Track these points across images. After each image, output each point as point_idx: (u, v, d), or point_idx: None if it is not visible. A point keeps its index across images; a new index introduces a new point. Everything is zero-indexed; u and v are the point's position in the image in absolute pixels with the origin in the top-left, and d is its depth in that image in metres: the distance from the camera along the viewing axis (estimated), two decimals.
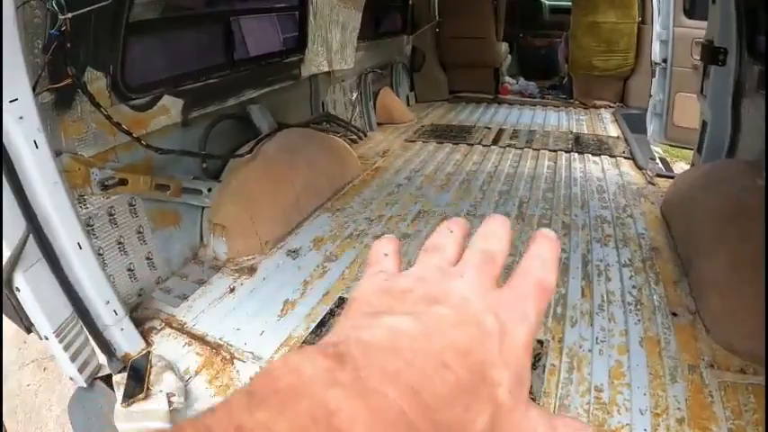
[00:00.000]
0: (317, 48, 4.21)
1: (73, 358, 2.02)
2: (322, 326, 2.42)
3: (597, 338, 2.30)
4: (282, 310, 2.56)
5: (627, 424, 1.86)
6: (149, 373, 2.04)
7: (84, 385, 2.09)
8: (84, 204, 2.35)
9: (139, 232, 2.67)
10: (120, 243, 2.54)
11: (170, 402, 1.95)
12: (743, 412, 1.89)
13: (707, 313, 2.37)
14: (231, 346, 2.31)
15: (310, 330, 2.40)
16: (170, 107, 2.82)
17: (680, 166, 5.92)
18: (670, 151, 5.86)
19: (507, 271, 0.39)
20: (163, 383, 2.01)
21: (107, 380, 2.11)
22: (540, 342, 2.26)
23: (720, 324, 2.27)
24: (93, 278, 2.08)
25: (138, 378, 2.03)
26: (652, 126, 5.56)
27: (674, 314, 2.43)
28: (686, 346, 2.22)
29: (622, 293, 2.62)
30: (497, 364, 0.32)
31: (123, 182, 2.51)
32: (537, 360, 2.16)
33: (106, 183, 2.43)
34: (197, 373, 2.17)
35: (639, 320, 2.41)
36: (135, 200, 2.62)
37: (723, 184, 2.88)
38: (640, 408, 1.93)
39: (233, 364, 2.22)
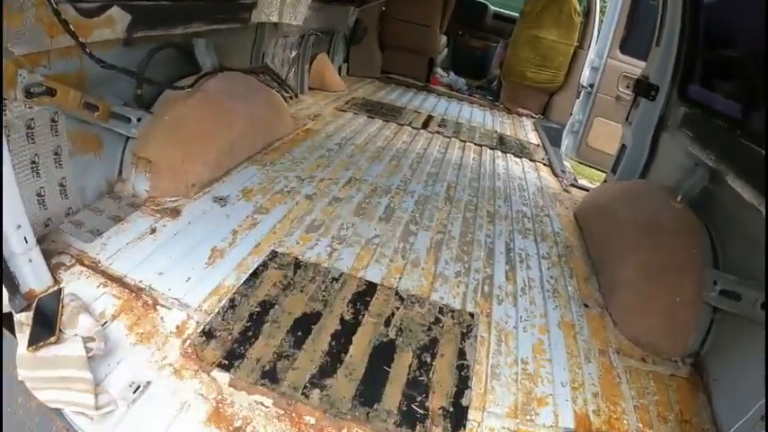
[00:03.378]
0: None
1: None
2: (255, 277, 2.32)
3: (521, 317, 2.44)
4: (210, 258, 2.40)
5: (550, 394, 2.02)
6: (61, 314, 1.80)
7: None
8: (4, 110, 2.02)
9: (57, 154, 2.35)
10: (33, 163, 2.22)
11: (87, 348, 1.71)
12: (645, 394, 2.13)
13: (615, 308, 2.60)
14: (154, 290, 2.11)
15: (242, 281, 2.28)
16: (117, 20, 2.53)
17: (582, 184, 6.39)
18: (576, 168, 6.25)
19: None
20: (78, 326, 1.78)
21: (4, 320, 1.84)
22: (471, 315, 2.36)
23: (627, 318, 2.51)
24: (7, 194, 1.80)
25: (48, 319, 1.78)
26: (567, 142, 5.94)
27: (586, 305, 2.65)
28: (596, 334, 2.44)
29: (541, 281, 2.80)
30: None
31: (51, 92, 2.22)
32: (469, 330, 2.24)
33: (32, 89, 2.12)
34: (114, 317, 1.95)
35: (557, 307, 2.59)
36: (58, 116, 2.31)
37: (641, 199, 3.15)
38: (561, 381, 2.09)
39: (156, 310, 2.03)
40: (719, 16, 3.25)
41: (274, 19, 4.13)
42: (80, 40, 2.26)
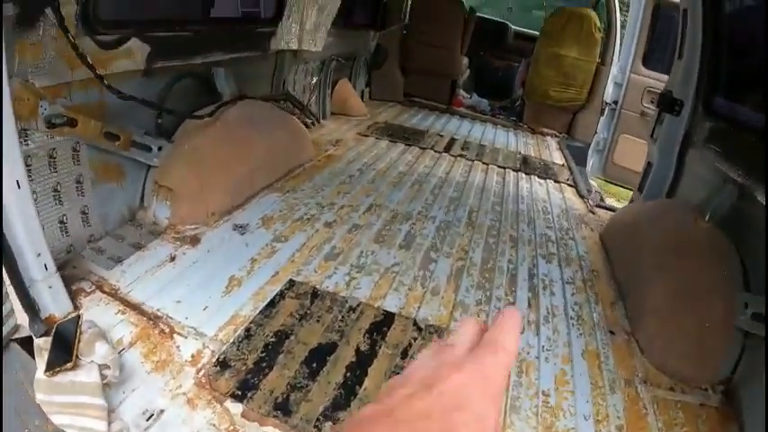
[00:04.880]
0: (291, 24, 4.08)
1: None
2: (271, 306, 2.30)
3: (543, 347, 2.38)
4: (228, 287, 2.40)
5: (572, 428, 1.95)
6: (78, 340, 1.80)
7: None
8: (26, 141, 2.08)
9: (79, 182, 2.41)
10: (56, 191, 2.29)
11: (102, 375, 1.73)
12: (673, 425, 2.05)
13: (642, 335, 2.53)
14: (171, 318, 2.12)
15: (259, 311, 2.26)
16: (136, 52, 2.59)
17: (609, 202, 6.27)
18: (603, 186, 6.16)
19: None
20: (94, 353, 1.77)
21: (25, 343, 1.86)
22: None
23: (654, 346, 2.44)
24: (28, 224, 1.85)
25: (65, 345, 1.78)
26: (592, 161, 5.89)
27: (612, 332, 2.59)
28: (622, 362, 2.37)
29: (565, 308, 2.73)
30: None
31: (72, 123, 2.26)
32: None
33: (54, 120, 2.17)
34: (131, 345, 1.97)
35: (581, 334, 2.53)
36: (79, 146, 2.37)
37: (667, 220, 3.07)
38: (584, 414, 2.03)
39: (172, 338, 2.03)
40: (741, 26, 3.19)
41: (294, 46, 4.18)
42: (99, 72, 2.32)
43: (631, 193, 4.40)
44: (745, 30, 3.15)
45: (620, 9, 6.82)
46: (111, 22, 2.43)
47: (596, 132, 5.94)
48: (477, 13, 8.05)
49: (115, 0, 2.50)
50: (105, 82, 2.33)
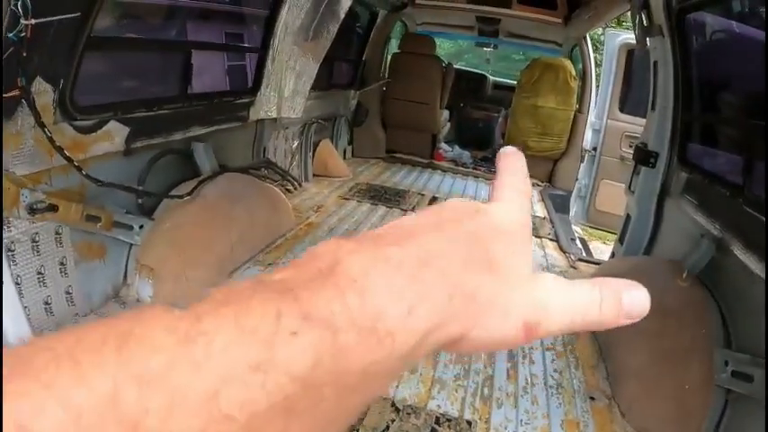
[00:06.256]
0: (270, 93, 4.17)
1: None
2: None
3: (522, 420, 2.36)
4: None
5: None
6: None
7: None
8: (8, 227, 2.13)
9: (62, 264, 2.44)
10: (39, 273, 2.32)
11: None
12: None
13: (623, 399, 2.52)
14: None
15: None
16: (115, 134, 2.64)
17: (595, 245, 6.28)
18: (588, 231, 6.20)
19: None
20: None
21: None
22: (469, 423, 2.30)
23: (635, 409, 2.43)
24: (13, 316, 1.96)
25: None
26: (575, 208, 5.91)
27: (592, 398, 2.57)
28: (603, 429, 2.36)
29: (545, 377, 2.72)
30: None
31: (53, 208, 2.31)
32: None
33: (35, 206, 2.22)
34: None
35: (561, 404, 2.51)
36: (62, 228, 2.41)
37: (645, 280, 2.94)
38: None
39: None
40: (711, 77, 3.25)
41: (273, 115, 4.25)
42: (79, 155, 2.38)
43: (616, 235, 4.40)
44: (716, 81, 3.21)
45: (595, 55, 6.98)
46: (89, 107, 2.49)
47: (577, 179, 6.00)
48: (459, 62, 8.18)
49: (91, 85, 2.57)
50: (83, 171, 2.35)
